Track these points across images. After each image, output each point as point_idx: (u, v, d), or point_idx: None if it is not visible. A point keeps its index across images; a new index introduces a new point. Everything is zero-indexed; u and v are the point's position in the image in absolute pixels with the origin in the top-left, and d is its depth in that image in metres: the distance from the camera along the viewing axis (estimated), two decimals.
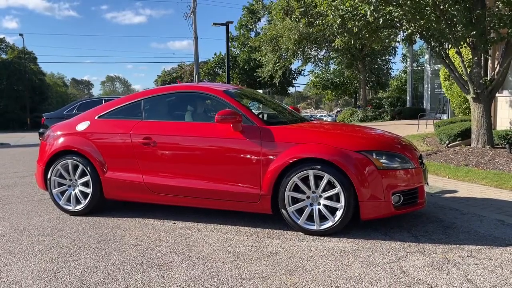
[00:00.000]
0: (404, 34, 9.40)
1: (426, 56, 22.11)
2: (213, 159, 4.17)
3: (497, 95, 10.05)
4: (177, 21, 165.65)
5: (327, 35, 10.48)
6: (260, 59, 24.22)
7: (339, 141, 3.96)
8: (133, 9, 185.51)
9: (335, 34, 9.66)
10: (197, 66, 27.64)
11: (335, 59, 24.57)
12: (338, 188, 3.78)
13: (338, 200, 3.84)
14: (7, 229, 4.29)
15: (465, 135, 11.06)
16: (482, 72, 8.64)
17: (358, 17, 8.36)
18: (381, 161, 3.82)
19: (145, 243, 3.78)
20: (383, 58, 28.22)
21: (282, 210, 3.97)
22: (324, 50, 23.65)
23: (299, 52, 21.72)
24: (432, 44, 9.09)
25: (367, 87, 28.05)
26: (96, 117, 4.79)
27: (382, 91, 32.91)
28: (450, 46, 9.17)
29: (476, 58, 8.49)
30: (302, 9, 9.51)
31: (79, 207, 4.71)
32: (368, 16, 7.62)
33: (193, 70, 50.82)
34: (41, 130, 12.27)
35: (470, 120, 12.34)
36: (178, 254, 3.48)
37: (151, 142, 4.38)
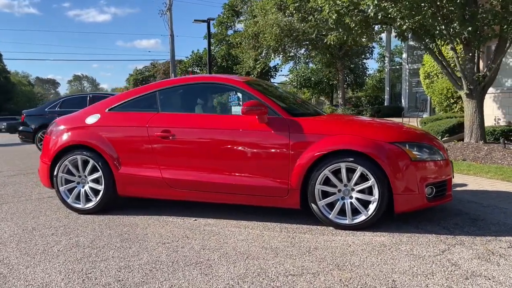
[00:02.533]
0: (396, 30, 9.42)
1: (404, 55, 22.44)
2: (238, 152, 4.00)
3: None
4: (144, 20, 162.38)
5: (320, 31, 10.44)
6: (239, 55, 23.98)
7: (371, 132, 3.86)
8: (97, 7, 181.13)
9: (330, 29, 9.59)
10: (174, 64, 27.23)
11: (315, 58, 24.59)
12: (372, 181, 3.68)
13: (370, 193, 3.74)
14: (15, 230, 3.99)
15: (452, 131, 11.25)
16: (475, 69, 8.76)
17: (355, 12, 8.33)
18: (414, 152, 3.74)
19: (172, 240, 3.58)
20: (362, 57, 28.46)
21: (312, 205, 3.84)
22: (304, 49, 23.66)
23: (280, 50, 21.62)
24: (426, 40, 9.16)
25: (344, 86, 28.27)
26: (107, 109, 4.53)
27: (359, 90, 33.26)
28: (443, 42, 9.26)
29: (470, 54, 8.59)
30: (297, 4, 9.41)
31: (89, 205, 4.44)
32: (369, 11, 7.58)
33: (166, 69, 50.27)
34: (21, 128, 11.74)
35: (455, 117, 12.60)
36: (213, 252, 3.30)
37: (170, 135, 4.17)
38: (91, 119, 4.49)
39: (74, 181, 4.51)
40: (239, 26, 30.99)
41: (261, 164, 3.95)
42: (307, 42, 21.88)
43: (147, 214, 4.42)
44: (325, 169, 3.77)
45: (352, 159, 3.71)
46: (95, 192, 4.44)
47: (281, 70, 30.28)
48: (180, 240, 3.58)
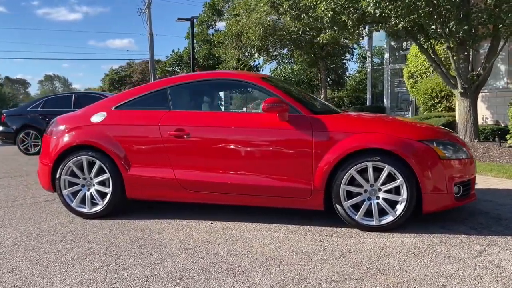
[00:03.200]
0: (389, 29, 9.39)
1: (386, 56, 22.64)
2: (258, 152, 3.81)
3: None
4: (116, 19, 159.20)
5: (312, 29, 10.33)
6: (222, 55, 23.68)
7: (399, 130, 3.74)
8: (68, 6, 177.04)
9: (324, 28, 9.49)
10: (153, 64, 26.76)
11: (298, 58, 24.54)
12: (400, 180, 3.55)
13: (397, 193, 3.61)
14: (18, 237, 3.70)
15: None
16: (469, 68, 8.80)
17: (352, 10, 8.25)
18: (442, 150, 3.63)
19: (194, 246, 3.36)
20: (344, 56, 28.61)
21: (337, 206, 3.68)
22: (286, 49, 23.59)
23: (263, 49, 21.47)
24: (420, 39, 9.16)
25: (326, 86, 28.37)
26: (113, 107, 4.27)
27: (339, 91, 33.44)
28: (436, 41, 9.28)
29: (465, 53, 8.63)
30: (291, 1, 9.28)
31: (96, 209, 4.17)
32: (369, 8, 7.50)
33: (144, 69, 49.49)
34: (1, 129, 11.22)
35: (444, 116, 12.71)
36: (241, 257, 3.10)
37: (184, 134, 3.94)
38: (97, 118, 4.22)
39: (78, 184, 4.23)
40: (220, 25, 30.75)
41: (283, 164, 3.77)
42: (290, 42, 21.85)
43: (158, 217, 4.19)
44: (351, 168, 3.62)
45: (380, 158, 3.57)
46: (102, 195, 4.18)
47: (262, 70, 30.12)
48: (203, 245, 3.37)
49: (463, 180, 3.74)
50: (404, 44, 21.55)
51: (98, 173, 4.16)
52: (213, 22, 30.57)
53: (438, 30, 8.39)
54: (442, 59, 10.26)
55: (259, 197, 3.86)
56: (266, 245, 3.36)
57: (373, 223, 3.63)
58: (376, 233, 3.60)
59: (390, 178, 3.61)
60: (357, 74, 37.10)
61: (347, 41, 10.77)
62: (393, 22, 8.71)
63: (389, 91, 22.55)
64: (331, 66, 29.82)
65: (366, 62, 34.63)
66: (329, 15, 8.76)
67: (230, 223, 3.95)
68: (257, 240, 3.48)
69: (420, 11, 7.96)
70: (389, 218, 3.61)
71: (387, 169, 3.56)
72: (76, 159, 4.16)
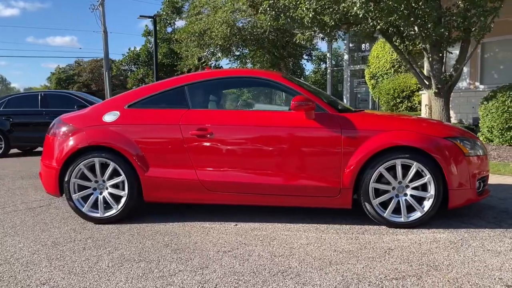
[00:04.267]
0: (366, 30, 9.62)
1: (346, 57, 23.20)
2: (286, 151, 3.75)
3: None
4: (56, 15, 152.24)
5: (290, 29, 10.41)
6: (183, 53, 23.24)
7: (425, 127, 3.81)
8: (4, 1, 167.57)
9: (304, 28, 9.55)
10: (108, 62, 25.87)
11: (260, 57, 24.61)
12: (428, 177, 3.62)
13: (424, 190, 3.68)
14: (33, 246, 3.42)
15: None
16: (443, 69, 9.18)
17: (334, 11, 8.36)
18: (466, 147, 3.74)
19: (232, 248, 3.25)
20: (303, 57, 29.01)
21: (366, 204, 3.70)
22: (248, 49, 23.58)
23: (226, 48, 21.35)
24: (397, 41, 9.44)
25: None
26: (126, 106, 4.05)
27: None
28: (410, 43, 9.60)
29: (440, 55, 8.98)
30: (272, 1, 9.27)
31: (109, 213, 3.94)
32: (355, 9, 7.62)
33: (94, 67, 47.78)
34: None
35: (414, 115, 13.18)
36: (287, 258, 3.03)
37: (207, 134, 3.81)
38: (110, 117, 3.99)
39: (89, 187, 3.98)
40: (179, 24, 30.21)
41: (312, 163, 3.74)
42: (254, 42, 21.87)
43: (176, 220, 4.03)
44: (380, 166, 3.65)
45: (408, 155, 3.63)
46: (117, 198, 3.96)
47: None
48: (240, 248, 3.27)
49: (482, 176, 3.88)
50: (363, 46, 22.24)
51: (112, 176, 3.94)
52: (172, 20, 30.02)
53: (416, 32, 8.68)
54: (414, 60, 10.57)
55: (287, 197, 3.81)
56: (305, 245, 3.31)
57: (402, 219, 3.68)
58: (406, 230, 3.65)
59: (418, 175, 3.67)
60: (312, 75, 37.79)
61: (308, 41, 10.83)
62: (370, 24, 8.94)
63: (349, 91, 23.13)
64: (291, 66, 30.16)
65: (322, 63, 35.41)
66: (310, 15, 8.83)
67: (255, 224, 3.87)
68: (292, 240, 3.42)
69: (399, 13, 8.20)
70: (417, 215, 3.67)
71: (415, 166, 3.62)
72: (87, 161, 3.91)
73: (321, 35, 10.45)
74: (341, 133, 3.70)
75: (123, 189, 3.93)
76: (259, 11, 9.80)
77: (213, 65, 25.30)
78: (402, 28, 8.94)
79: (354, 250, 3.19)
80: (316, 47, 31.56)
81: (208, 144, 3.82)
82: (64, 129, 4.08)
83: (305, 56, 29.27)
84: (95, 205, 3.97)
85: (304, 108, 3.69)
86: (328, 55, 25.22)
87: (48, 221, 4.14)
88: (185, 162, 3.85)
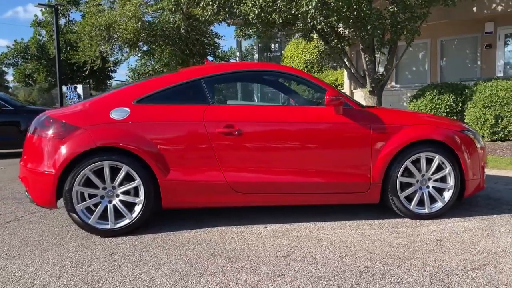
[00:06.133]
0: (303, 30, 9.84)
1: (256, 56, 23.55)
2: (318, 147, 3.64)
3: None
4: None
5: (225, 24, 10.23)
6: (83, 45, 21.41)
7: (442, 121, 3.99)
8: None
9: (247, 25, 9.44)
10: None
11: (168, 54, 23.74)
12: (448, 169, 3.79)
13: (444, 181, 3.84)
14: (49, 267, 2.85)
15: None
16: (376, 69, 9.76)
17: (284, 9, 8.38)
18: (476, 139, 3.99)
19: (288, 252, 3.05)
20: (215, 54, 28.71)
21: (394, 198, 3.75)
22: (155, 45, 22.65)
23: (134, 43, 20.24)
24: (334, 41, 9.80)
25: None
26: (134, 101, 3.58)
27: None
28: (345, 44, 10.04)
29: (375, 55, 9.53)
30: None
31: (122, 223, 3.45)
32: (310, 7, 7.71)
33: None
34: None
35: None
36: (354, 258, 2.94)
37: (235, 131, 3.53)
38: (118, 114, 3.49)
39: (97, 195, 3.44)
40: (75, 16, 27.86)
41: (344, 159, 3.68)
42: (164, 38, 21.07)
43: (195, 227, 3.67)
44: (406, 160, 3.73)
45: (431, 148, 3.76)
46: (130, 206, 3.48)
47: (118, 66, 28.63)
48: (296, 251, 3.08)
49: (484, 166, 4.17)
50: (273, 46, 22.78)
51: (124, 181, 3.45)
52: (67, 11, 27.60)
53: (355, 33, 9.10)
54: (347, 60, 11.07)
55: (318, 195, 3.70)
56: (356, 243, 3.24)
57: (426, 211, 3.80)
58: (430, 221, 3.77)
59: (437, 167, 3.81)
60: None
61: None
62: (311, 24, 9.15)
63: (259, 90, 23.54)
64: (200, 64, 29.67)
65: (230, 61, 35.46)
66: (256, 11, 8.75)
67: (284, 226, 3.69)
68: (341, 239, 3.33)
69: (343, 14, 8.51)
70: (438, 205, 3.83)
71: (437, 159, 3.76)
72: (95, 165, 3.37)
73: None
74: (371, 128, 3.70)
75: (137, 196, 3.47)
76: (201, 6, 9.42)
77: (119, 59, 23.81)
78: (340, 29, 9.29)
79: (407, 244, 3.20)
80: (219, 44, 31.53)
81: (235, 142, 3.55)
82: (57, 128, 3.46)
83: (210, 56, 29.07)
84: (104, 216, 3.44)
85: (336, 103, 3.61)
86: (237, 53, 25.37)
87: (37, 237, 3.49)
88: (211, 163, 3.53)
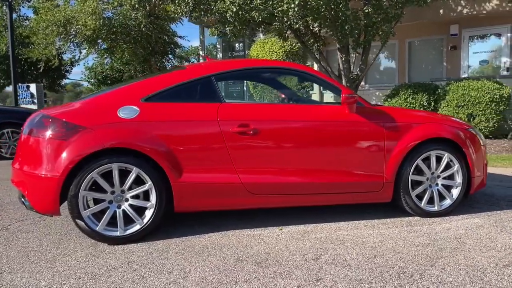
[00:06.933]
0: (281, 30, 9.79)
1: (220, 56, 23.33)
2: (335, 146, 3.57)
3: None
4: None
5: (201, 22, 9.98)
6: (39, 41, 20.32)
7: (448, 120, 4.01)
8: None
9: (224, 23, 9.26)
10: None
11: (129, 52, 22.99)
12: (456, 166, 3.83)
13: (451, 179, 3.88)
14: (65, 280, 2.60)
15: None
16: (352, 68, 9.88)
17: (262, 7, 8.29)
18: (480, 137, 4.06)
19: (316, 255, 2.95)
20: (168, 54, 28.11)
21: (405, 196, 3.75)
22: (117, 43, 21.90)
23: (94, 40, 19.46)
24: (310, 41, 9.81)
25: None
26: (142, 100, 3.36)
27: None
28: (321, 44, 10.09)
29: (352, 55, 9.64)
30: None
31: (132, 230, 3.23)
32: (293, 6, 7.65)
33: None
34: None
35: None
36: (384, 258, 2.89)
37: (250, 130, 3.40)
38: (127, 113, 3.26)
39: (104, 200, 3.20)
40: (26, 11, 26.31)
41: (360, 158, 3.63)
42: (123, 36, 20.43)
43: (208, 231, 3.50)
44: (418, 158, 3.74)
45: (441, 146, 3.78)
46: (140, 211, 3.27)
47: (76, 65, 27.49)
48: (324, 253, 2.99)
49: (486, 164, 4.26)
50: (237, 45, 22.66)
51: (133, 184, 3.24)
52: (17, 6, 26.12)
53: (330, 33, 9.15)
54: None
55: (333, 195, 3.63)
56: (379, 243, 3.19)
57: (435, 208, 3.82)
58: (440, 219, 3.79)
59: (446, 164, 3.84)
60: None
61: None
62: (288, 23, 9.13)
63: (223, 89, 23.35)
64: (162, 63, 29.02)
65: (190, 61, 34.96)
66: (234, 9, 8.61)
67: (299, 227, 3.59)
68: (362, 240, 3.27)
69: (321, 14, 8.54)
70: (447, 203, 3.86)
71: (446, 157, 3.80)
72: (103, 167, 3.13)
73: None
74: (384, 126, 3.67)
75: (148, 199, 3.26)
76: (176, 3, 9.15)
77: (77, 57, 22.80)
78: (316, 29, 9.32)
79: (430, 242, 3.19)
80: (180, 44, 31.00)
81: (250, 142, 3.41)
82: (59, 128, 3.18)
83: (171, 55, 28.48)
84: (112, 222, 3.21)
85: (351, 101, 3.57)
86: (201, 53, 24.99)
87: (36, 247, 3.20)
88: (226, 163, 3.37)
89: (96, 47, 20.88)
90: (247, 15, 8.72)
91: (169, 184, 3.27)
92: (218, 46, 23.44)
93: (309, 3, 7.96)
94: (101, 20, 17.72)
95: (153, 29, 19.67)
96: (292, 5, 7.58)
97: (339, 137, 3.58)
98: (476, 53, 11.68)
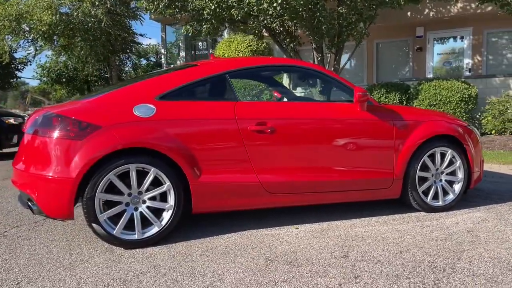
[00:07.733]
0: (258, 28, 9.80)
1: (182, 54, 22.98)
2: (351, 144, 3.59)
3: None
4: None
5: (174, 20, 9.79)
6: None
7: (449, 117, 4.15)
8: None
9: (200, 20, 9.12)
10: None
11: (87, 49, 22.15)
12: (459, 163, 3.97)
13: (453, 174, 4.02)
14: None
15: None
16: (326, 68, 10.02)
17: (242, 5, 8.23)
18: (477, 134, 4.23)
19: (343, 253, 2.96)
20: (127, 52, 27.35)
21: (413, 192, 3.83)
22: (74, 40, 21.06)
23: (49, 37, 18.60)
24: (287, 40, 9.86)
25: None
26: (157, 98, 3.24)
27: None
28: (297, 43, 10.16)
29: (329, 55, 9.77)
30: None
31: (150, 232, 3.11)
32: (275, 4, 7.63)
33: None
34: None
35: None
36: (410, 254, 2.94)
37: (268, 129, 3.36)
38: (143, 111, 3.13)
39: (121, 203, 3.06)
40: None
41: (372, 155, 3.68)
42: (82, 33, 19.68)
43: (226, 232, 3.43)
44: (424, 155, 3.84)
45: (445, 143, 3.90)
46: (158, 213, 3.15)
47: (30, 63, 26.27)
48: (351, 250, 3.00)
49: (483, 160, 4.43)
50: (200, 44, 22.41)
51: (151, 185, 3.12)
52: None
53: (307, 32, 9.24)
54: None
55: (347, 192, 3.66)
56: (398, 238, 3.25)
57: (440, 203, 3.94)
58: (445, 213, 3.91)
59: (449, 161, 3.97)
60: (132, 71, 36.17)
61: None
62: (264, 22, 9.14)
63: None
64: (121, 62, 28.21)
65: (149, 59, 34.24)
66: (212, 7, 8.51)
67: (314, 225, 3.59)
68: (382, 236, 3.31)
69: (298, 13, 8.60)
70: (450, 198, 3.99)
71: (450, 153, 3.92)
72: (120, 168, 2.99)
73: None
74: (394, 123, 3.74)
75: (165, 201, 3.15)
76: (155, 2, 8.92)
77: (32, 54, 21.68)
78: (292, 29, 9.39)
79: (446, 237, 3.28)
80: (140, 42, 30.30)
81: (268, 141, 3.37)
82: (71, 127, 3.00)
83: (131, 53, 27.75)
84: (130, 225, 3.07)
85: (364, 99, 3.61)
86: (162, 51, 24.51)
87: (46, 254, 3.01)
88: (244, 162, 3.31)
89: (52, 44, 20.01)
90: (224, 13, 8.64)
91: (187, 184, 3.17)
92: (181, 44, 23.17)
93: (288, 2, 7.99)
94: (57, 15, 16.95)
95: (112, 26, 19.09)
96: (274, 4, 7.57)
97: (354, 134, 3.61)
98: (440, 55, 12.18)
